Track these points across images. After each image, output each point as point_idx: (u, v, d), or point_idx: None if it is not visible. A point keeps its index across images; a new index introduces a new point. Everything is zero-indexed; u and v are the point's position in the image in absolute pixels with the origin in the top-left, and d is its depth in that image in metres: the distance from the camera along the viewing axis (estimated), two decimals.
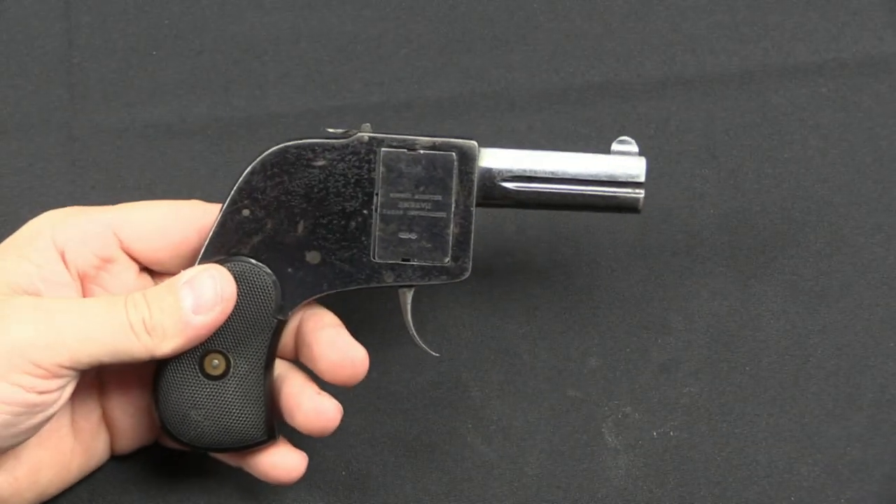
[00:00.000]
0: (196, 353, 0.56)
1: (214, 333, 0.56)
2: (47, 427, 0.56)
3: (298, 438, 0.60)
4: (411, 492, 0.65)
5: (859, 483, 0.64)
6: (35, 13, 0.73)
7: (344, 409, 0.59)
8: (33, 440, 0.56)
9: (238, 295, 0.56)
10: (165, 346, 0.54)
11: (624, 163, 0.58)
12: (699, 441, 0.64)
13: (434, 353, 0.60)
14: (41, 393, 0.52)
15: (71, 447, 0.59)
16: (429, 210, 0.56)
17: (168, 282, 0.55)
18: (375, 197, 0.56)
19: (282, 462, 0.59)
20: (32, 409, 0.53)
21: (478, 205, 0.57)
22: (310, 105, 0.72)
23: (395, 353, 0.66)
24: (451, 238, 0.56)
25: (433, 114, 0.72)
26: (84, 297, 0.57)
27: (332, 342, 0.58)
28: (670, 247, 0.69)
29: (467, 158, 0.56)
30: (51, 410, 0.54)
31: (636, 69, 0.73)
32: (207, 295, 0.54)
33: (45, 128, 0.70)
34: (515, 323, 0.67)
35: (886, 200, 0.70)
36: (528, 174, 0.58)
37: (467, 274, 0.57)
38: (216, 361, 0.56)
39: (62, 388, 0.53)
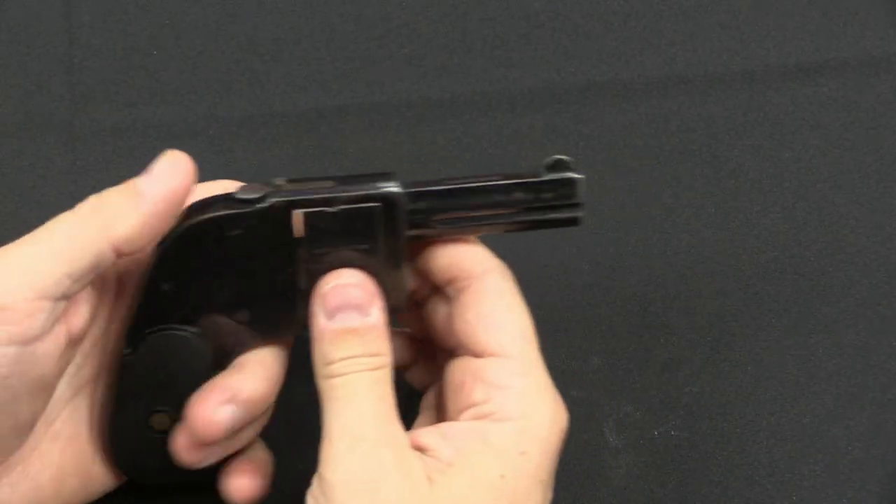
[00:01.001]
0: (143, 413, 0.55)
1: (157, 396, 0.55)
2: (67, 433, 0.56)
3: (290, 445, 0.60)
4: None
5: (861, 483, 0.64)
6: (36, 13, 0.73)
7: None
8: (55, 447, 0.55)
9: (173, 362, 0.54)
10: (121, 225, 0.51)
11: (558, 187, 0.54)
12: (700, 440, 0.64)
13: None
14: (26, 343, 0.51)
15: (91, 454, 0.58)
16: (356, 259, 0.53)
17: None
18: (297, 254, 0.53)
19: (233, 488, 0.58)
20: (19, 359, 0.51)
21: (408, 243, 0.54)
22: (311, 104, 0.72)
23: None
24: (382, 282, 0.54)
25: (434, 113, 0.72)
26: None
27: None
28: (672, 246, 0.69)
29: (390, 207, 0.53)
30: (44, 362, 0.52)
31: (637, 69, 0.73)
32: (159, 167, 0.52)
33: (46, 128, 0.70)
34: None
35: (888, 200, 0.70)
36: (457, 215, 0.54)
37: (403, 310, 0.55)
38: (162, 419, 0.56)
39: (45, 323, 0.51)
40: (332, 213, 0.53)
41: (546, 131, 0.72)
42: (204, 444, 0.55)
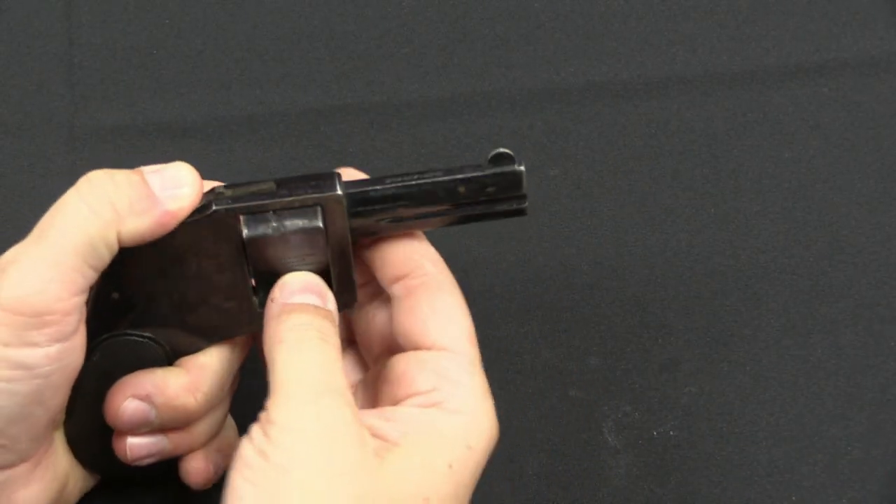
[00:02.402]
0: (102, 418, 0.55)
1: None
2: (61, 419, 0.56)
3: None
4: None
5: (861, 483, 0.64)
6: (36, 12, 0.73)
7: None
8: (59, 435, 0.56)
9: (128, 366, 0.55)
10: (133, 223, 0.52)
11: (502, 180, 0.54)
12: (699, 440, 0.64)
13: None
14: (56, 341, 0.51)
15: None
16: (304, 260, 0.54)
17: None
18: (245, 259, 0.54)
19: (188, 469, 0.58)
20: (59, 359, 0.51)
21: (355, 239, 0.54)
22: (311, 104, 0.72)
23: None
24: (332, 279, 0.54)
25: (434, 113, 0.72)
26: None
27: None
28: (672, 246, 0.69)
29: (333, 209, 0.53)
30: (79, 352, 0.52)
31: (637, 69, 0.73)
32: (177, 176, 0.53)
33: (46, 127, 0.70)
34: (515, 323, 0.66)
35: (888, 200, 0.70)
36: (402, 213, 0.54)
37: (355, 302, 0.55)
38: None
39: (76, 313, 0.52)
40: (274, 217, 0.53)
41: (546, 131, 0.72)
42: (119, 435, 0.55)
